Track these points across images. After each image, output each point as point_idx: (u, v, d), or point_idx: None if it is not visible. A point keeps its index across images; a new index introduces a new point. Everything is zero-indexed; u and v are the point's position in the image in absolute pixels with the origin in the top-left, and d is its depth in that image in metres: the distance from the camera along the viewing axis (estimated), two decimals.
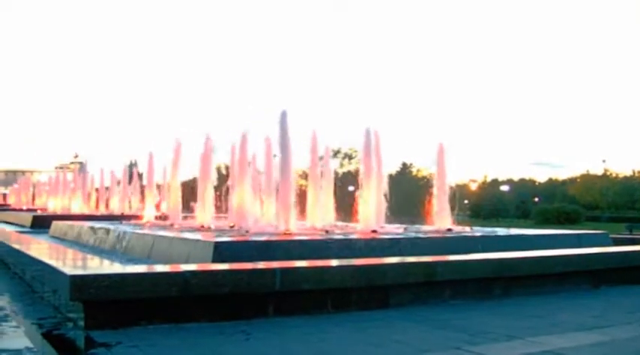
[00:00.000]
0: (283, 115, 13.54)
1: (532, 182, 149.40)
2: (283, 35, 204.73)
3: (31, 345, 6.03)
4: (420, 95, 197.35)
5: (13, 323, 7.12)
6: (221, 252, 9.56)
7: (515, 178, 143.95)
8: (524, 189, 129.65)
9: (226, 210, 16.20)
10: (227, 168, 18.87)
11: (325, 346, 6.05)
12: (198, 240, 10.73)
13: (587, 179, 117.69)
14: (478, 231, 14.96)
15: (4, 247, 13.72)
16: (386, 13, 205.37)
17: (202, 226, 15.04)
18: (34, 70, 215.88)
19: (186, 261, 9.71)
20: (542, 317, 7.68)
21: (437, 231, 13.91)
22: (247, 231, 12.83)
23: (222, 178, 17.40)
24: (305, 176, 16.53)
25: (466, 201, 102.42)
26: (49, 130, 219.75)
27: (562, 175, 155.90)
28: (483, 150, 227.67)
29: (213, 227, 14.69)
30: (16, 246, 11.85)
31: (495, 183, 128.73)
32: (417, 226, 16.07)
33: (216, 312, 7.12)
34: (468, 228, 15.16)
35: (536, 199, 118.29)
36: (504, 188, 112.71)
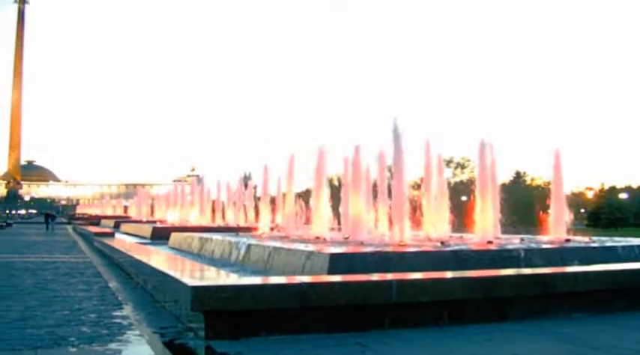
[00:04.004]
0: (396, 127, 13.55)
1: None
2: (397, 44, 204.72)
3: (153, 354, 6.22)
4: (534, 101, 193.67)
5: (137, 332, 7.34)
6: (336, 263, 9.61)
7: (634, 185, 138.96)
8: None
9: (339, 221, 16.29)
10: (339, 179, 18.94)
11: None
12: (313, 252, 10.80)
13: None
14: (597, 240, 14.54)
15: (126, 258, 14.16)
16: (498, 20, 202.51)
17: (317, 237, 15.16)
18: (159, 87, 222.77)
19: (302, 273, 9.81)
20: None
21: (554, 242, 13.60)
22: (362, 243, 12.85)
23: (335, 190, 17.47)
24: (417, 187, 16.45)
25: (582, 210, 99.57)
26: (167, 145, 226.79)
27: None
28: (600, 156, 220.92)
29: (328, 238, 14.79)
30: (138, 257, 12.22)
31: (613, 190, 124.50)
32: (533, 236, 15.76)
33: (333, 324, 7.14)
34: (587, 238, 14.76)
35: None
36: (623, 196, 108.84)
